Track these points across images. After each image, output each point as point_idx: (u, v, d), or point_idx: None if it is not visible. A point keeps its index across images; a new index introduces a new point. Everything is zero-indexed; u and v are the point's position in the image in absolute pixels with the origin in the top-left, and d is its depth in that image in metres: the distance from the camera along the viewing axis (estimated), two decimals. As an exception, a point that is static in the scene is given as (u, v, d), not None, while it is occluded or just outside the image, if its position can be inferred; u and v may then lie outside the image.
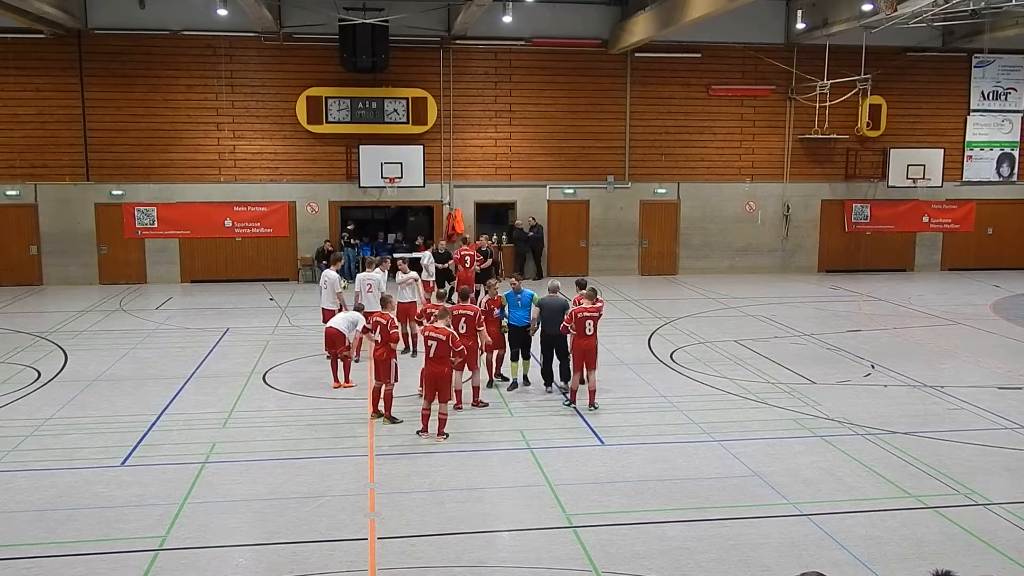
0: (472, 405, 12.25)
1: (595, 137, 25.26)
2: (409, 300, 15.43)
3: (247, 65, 23.71)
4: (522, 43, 24.51)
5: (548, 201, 25.41)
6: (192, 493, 9.14)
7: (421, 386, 11.54)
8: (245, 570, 7.57)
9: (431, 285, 18.81)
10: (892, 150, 26.05)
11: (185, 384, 13.50)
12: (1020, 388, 13.45)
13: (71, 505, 8.82)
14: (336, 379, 13.42)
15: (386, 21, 22.52)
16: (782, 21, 25.28)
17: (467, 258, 18.89)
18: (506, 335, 13.19)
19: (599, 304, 12.36)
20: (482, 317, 12.34)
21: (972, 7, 19.99)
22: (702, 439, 10.94)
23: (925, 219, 27.17)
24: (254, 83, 23.78)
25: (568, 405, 12.31)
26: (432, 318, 11.39)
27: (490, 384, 13.17)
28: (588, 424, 11.56)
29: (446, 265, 19.44)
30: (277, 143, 24.07)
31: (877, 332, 17.85)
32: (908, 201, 26.79)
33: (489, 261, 20.51)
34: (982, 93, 26.79)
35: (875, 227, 26.91)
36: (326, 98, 23.72)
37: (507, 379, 13.39)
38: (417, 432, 10.98)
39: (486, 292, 13.60)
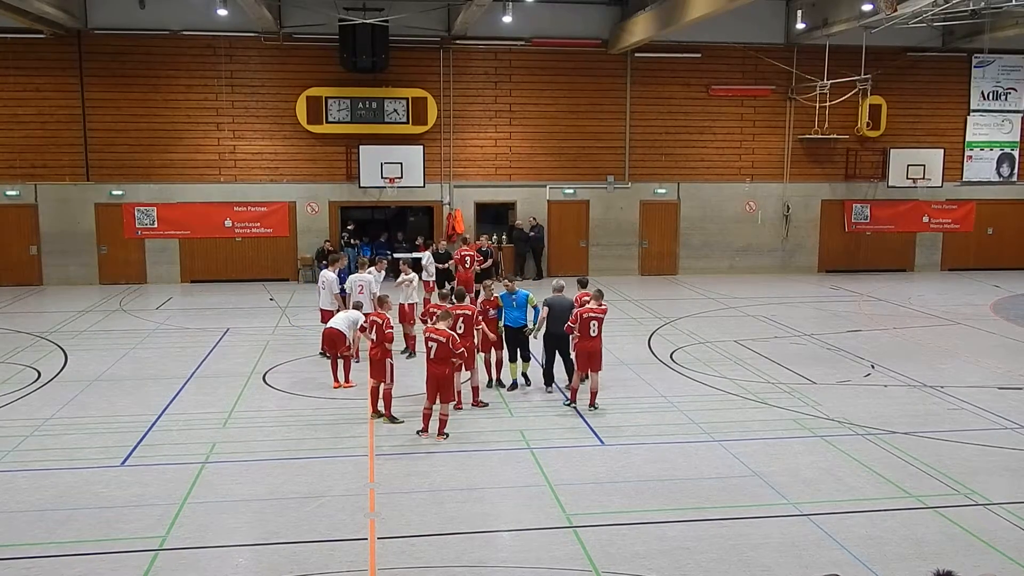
0: (472, 405, 12.25)
1: (595, 137, 25.27)
2: (407, 301, 15.39)
3: (247, 65, 23.72)
4: (522, 43, 24.51)
5: (548, 201, 25.41)
6: (192, 493, 9.14)
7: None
8: (245, 570, 7.57)
9: (431, 285, 18.84)
10: (892, 150, 26.05)
11: (185, 384, 13.50)
12: (1020, 388, 13.45)
13: (71, 505, 8.82)
14: (336, 379, 13.43)
15: (386, 21, 22.52)
16: (782, 21, 25.28)
17: (467, 258, 18.90)
18: (503, 336, 13.16)
19: (604, 307, 12.29)
20: (479, 317, 12.35)
21: (972, 7, 19.99)
22: (702, 439, 10.94)
23: (925, 219, 27.17)
24: (254, 83, 23.78)
25: (568, 405, 12.30)
26: (433, 319, 11.38)
27: (490, 384, 13.17)
28: (588, 424, 11.56)
29: (446, 265, 19.44)
30: (277, 143, 24.07)
31: (877, 332, 17.85)
32: (908, 201, 26.79)
33: (489, 261, 20.53)
34: (982, 93, 26.79)
35: (875, 227, 26.91)
36: (326, 98, 23.72)
37: (505, 385, 13.32)
38: (417, 432, 10.98)
39: (483, 292, 13.57)
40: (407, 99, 23.99)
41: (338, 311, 14.80)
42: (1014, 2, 20.17)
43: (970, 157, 27.05)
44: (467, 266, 18.75)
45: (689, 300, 21.69)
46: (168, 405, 12.37)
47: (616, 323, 17.58)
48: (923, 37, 25.34)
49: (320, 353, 15.19)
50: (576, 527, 8.35)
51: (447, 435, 10.87)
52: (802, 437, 11.08)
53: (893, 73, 25.77)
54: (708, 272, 26.07)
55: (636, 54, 24.73)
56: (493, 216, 26.01)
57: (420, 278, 19.00)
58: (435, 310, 11.88)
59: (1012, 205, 27.39)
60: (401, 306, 15.31)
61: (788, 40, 25.26)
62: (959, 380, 13.88)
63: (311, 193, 24.41)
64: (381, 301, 12.33)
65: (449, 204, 24.93)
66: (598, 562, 7.64)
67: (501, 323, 13.09)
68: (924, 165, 25.90)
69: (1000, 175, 27.30)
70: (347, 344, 13.27)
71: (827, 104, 24.76)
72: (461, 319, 11.83)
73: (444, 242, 21.91)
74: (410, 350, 15.32)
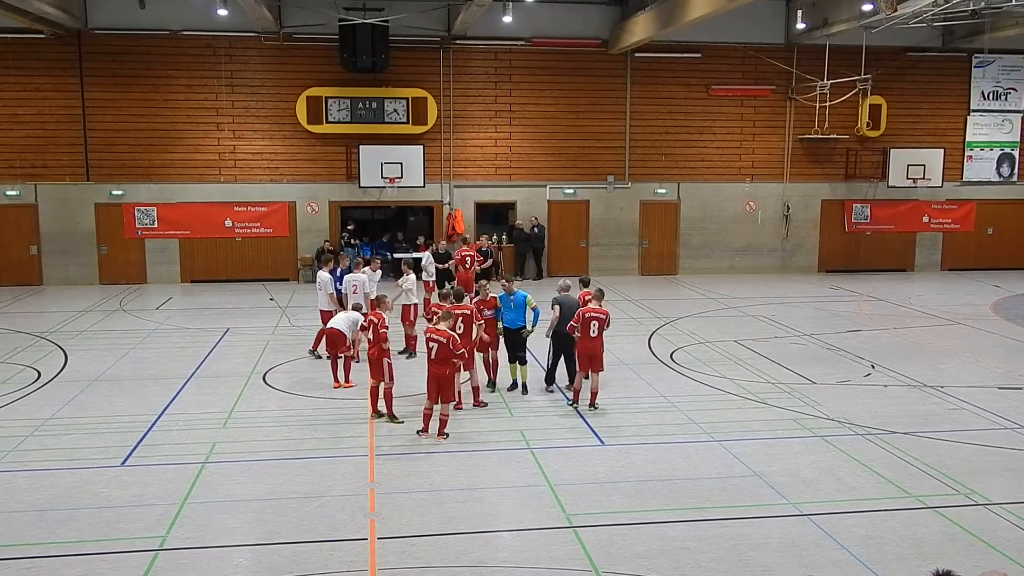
0: (472, 405, 12.25)
1: (595, 137, 25.27)
2: (405, 302, 15.35)
3: (247, 65, 23.72)
4: (522, 43, 24.51)
5: (548, 201, 25.41)
6: (192, 493, 9.14)
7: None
8: (245, 570, 7.57)
9: (431, 285, 18.83)
10: (892, 150, 26.05)
11: (185, 384, 13.50)
12: (1020, 388, 13.45)
13: (71, 505, 8.82)
14: (336, 379, 13.43)
15: (386, 21, 22.52)
16: (782, 21, 25.28)
17: (467, 259, 18.90)
18: (500, 337, 13.09)
19: (605, 311, 12.23)
20: (477, 317, 12.32)
21: (972, 7, 19.99)
22: (702, 439, 10.94)
23: (925, 219, 27.18)
24: (254, 83, 23.78)
25: (570, 405, 12.30)
26: (434, 319, 11.38)
27: (489, 384, 13.15)
28: (588, 424, 11.56)
29: (446, 265, 19.44)
30: (277, 143, 24.07)
31: (877, 332, 17.85)
32: (908, 201, 26.79)
33: (489, 261, 20.51)
34: (982, 93, 26.79)
35: (875, 227, 26.91)
36: (326, 98, 23.73)
37: (495, 387, 13.27)
38: (418, 432, 10.98)
39: (477, 293, 13.46)
40: (407, 99, 23.99)
41: (335, 311, 14.83)
42: (1014, 2, 20.17)
43: (970, 157, 27.05)
44: (467, 266, 18.74)
45: (689, 300, 21.69)
46: (168, 405, 12.37)
47: (616, 323, 17.48)
48: (923, 37, 25.34)
49: (310, 352, 15.18)
50: (576, 527, 8.35)
51: (447, 435, 10.87)
52: (802, 437, 11.08)
53: (893, 73, 25.77)
54: (708, 272, 26.07)
55: (636, 54, 24.73)
56: (493, 216, 26.02)
57: (419, 278, 19.03)
58: (437, 310, 11.87)
59: (1012, 205, 27.39)
60: (403, 307, 15.30)
61: (788, 40, 25.26)
62: (959, 380, 13.88)
63: (311, 193, 24.41)
64: (379, 301, 12.32)
65: (449, 204, 24.93)
66: (598, 562, 7.64)
67: (500, 324, 13.02)
68: (924, 165, 25.90)
69: (1000, 175, 27.31)
70: (347, 344, 13.27)
71: (827, 104, 24.76)
72: (460, 319, 11.82)
73: (444, 242, 21.91)
74: (410, 351, 15.31)
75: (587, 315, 11.87)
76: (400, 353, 14.78)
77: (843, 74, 24.23)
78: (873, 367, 14.72)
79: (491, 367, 13.20)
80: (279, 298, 21.65)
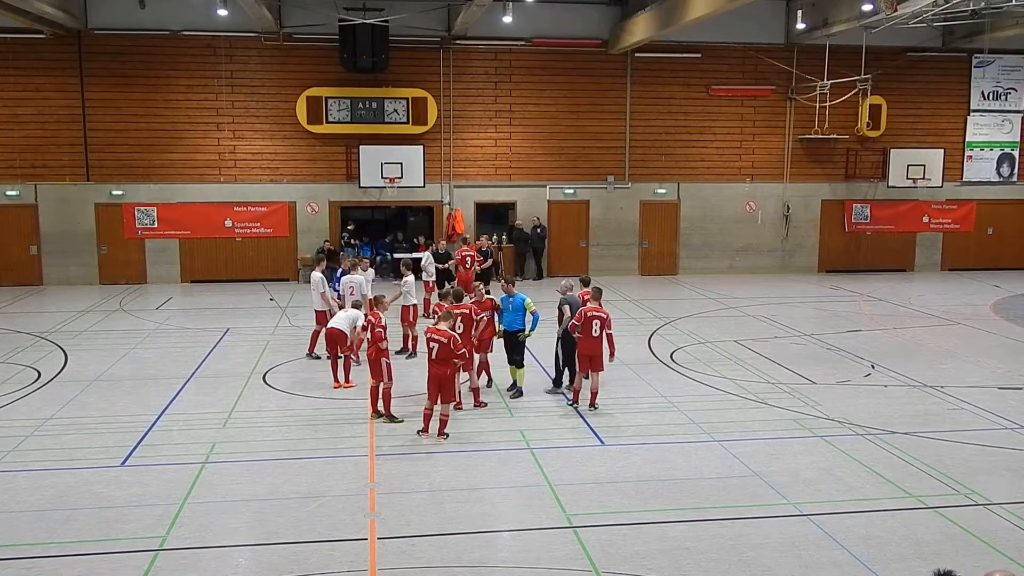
0: (473, 405, 12.24)
1: (595, 137, 25.27)
2: (403, 303, 15.34)
3: (247, 65, 23.72)
4: (522, 43, 24.51)
5: (548, 201, 25.41)
6: (192, 493, 9.14)
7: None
8: (245, 570, 7.57)
9: (431, 285, 18.83)
10: (892, 150, 26.05)
11: (185, 384, 13.50)
12: (1020, 388, 13.45)
13: (71, 505, 8.82)
14: (336, 379, 13.43)
15: (386, 21, 22.52)
16: (782, 21, 25.28)
17: (468, 259, 18.90)
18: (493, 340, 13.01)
19: (605, 311, 12.21)
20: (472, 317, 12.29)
21: (972, 7, 20.00)
22: (702, 439, 10.94)
23: (925, 219, 27.18)
24: (254, 83, 23.78)
25: (570, 405, 12.29)
26: (435, 319, 11.38)
27: (489, 384, 13.13)
28: (588, 424, 11.56)
29: (446, 265, 19.44)
30: (277, 143, 24.07)
31: (877, 332, 17.85)
32: (908, 201, 26.80)
33: (489, 261, 20.51)
34: (982, 93, 26.79)
35: (875, 227, 26.91)
36: (326, 98, 23.73)
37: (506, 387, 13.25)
38: (418, 432, 10.98)
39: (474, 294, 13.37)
40: (407, 99, 23.99)
41: (328, 311, 14.83)
42: (1014, 2, 20.17)
43: (970, 157, 27.05)
44: (468, 266, 18.74)
45: (689, 300, 21.69)
46: (168, 405, 12.37)
47: (616, 323, 17.44)
48: (923, 37, 25.34)
49: (307, 356, 15.16)
50: (576, 527, 8.35)
51: (447, 435, 10.87)
52: (802, 437, 11.08)
53: (893, 73, 25.77)
54: (708, 272, 26.07)
55: (636, 54, 24.73)
56: (493, 216, 26.01)
57: (420, 279, 19.02)
58: (438, 310, 11.87)
59: (1012, 205, 27.39)
60: (403, 307, 15.29)
61: (788, 40, 25.26)
62: (959, 380, 13.88)
63: (311, 193, 24.41)
64: (377, 301, 12.31)
65: (449, 204, 24.93)
66: (598, 562, 7.63)
67: (500, 326, 12.96)
68: (924, 165, 25.90)
69: (1000, 175, 27.31)
70: (348, 343, 13.26)
71: (827, 104, 24.76)
72: (459, 319, 11.81)
73: (444, 242, 21.91)
74: (411, 351, 15.29)
75: (588, 314, 11.86)
76: (398, 353, 14.76)
77: (843, 74, 24.23)
78: (873, 367, 14.72)
79: (482, 368, 13.04)
80: (279, 298, 21.65)
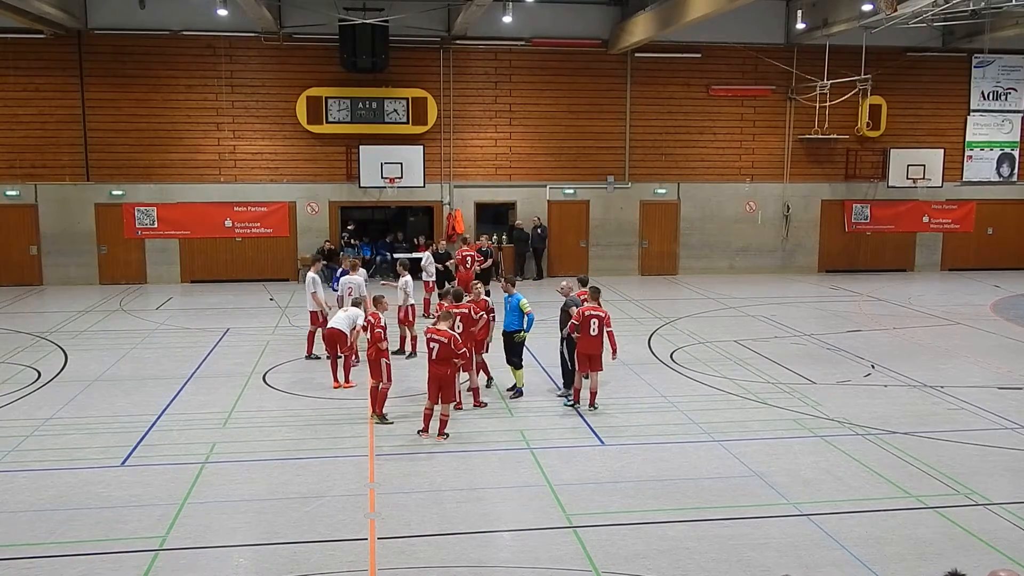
0: (472, 405, 12.24)
1: (595, 137, 25.27)
2: (400, 303, 15.33)
3: (247, 65, 23.72)
4: (522, 43, 24.52)
5: (548, 201, 25.41)
6: (192, 493, 9.14)
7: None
8: (245, 570, 7.57)
9: (431, 285, 18.84)
10: (892, 150, 26.06)
11: (185, 384, 13.50)
12: (1020, 388, 13.45)
13: (71, 505, 8.82)
14: (336, 379, 13.43)
15: (386, 21, 22.52)
16: (782, 21, 25.29)
17: (468, 259, 18.90)
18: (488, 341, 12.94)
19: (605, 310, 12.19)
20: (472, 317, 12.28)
21: (972, 7, 19.99)
22: (702, 439, 10.94)
23: (925, 219, 27.18)
24: (254, 83, 23.78)
25: (570, 405, 12.28)
26: (435, 319, 11.38)
27: (488, 384, 13.12)
28: (588, 424, 11.56)
29: (445, 265, 19.43)
30: (277, 143, 24.08)
31: (877, 332, 17.85)
32: (908, 201, 26.80)
33: (489, 261, 20.51)
34: (982, 93, 26.80)
35: (875, 227, 26.91)
36: (326, 98, 23.73)
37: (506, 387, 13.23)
38: (418, 432, 10.98)
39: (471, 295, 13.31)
40: (407, 99, 24.00)
41: (319, 312, 14.81)
42: (1014, 2, 20.17)
43: (970, 157, 27.06)
44: (468, 266, 18.74)
45: (689, 300, 21.69)
46: (168, 405, 12.37)
47: (616, 323, 17.46)
48: (923, 37, 25.34)
49: (306, 357, 15.13)
50: (576, 527, 8.35)
51: (447, 435, 10.87)
52: (802, 437, 11.08)
53: (893, 73, 25.77)
54: (708, 272, 26.08)
55: (636, 54, 24.73)
56: (493, 216, 26.01)
57: (420, 279, 19.02)
58: (439, 311, 11.85)
59: (1012, 205, 27.40)
60: (399, 307, 15.28)
61: (788, 40, 25.26)
62: (959, 380, 13.87)
63: (311, 193, 24.41)
64: (377, 301, 12.31)
65: (449, 204, 24.93)
66: (598, 562, 7.63)
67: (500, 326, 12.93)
68: (924, 165, 25.91)
69: (1000, 175, 27.31)
70: (348, 343, 13.25)
71: (827, 104, 24.76)
72: (459, 319, 11.80)
73: (444, 242, 21.91)
74: (411, 351, 15.28)
75: (587, 313, 11.86)
76: (396, 353, 14.73)
77: (843, 74, 24.23)
78: (873, 367, 14.72)
79: (480, 368, 12.99)
80: (279, 298, 21.65)
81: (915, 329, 18.05)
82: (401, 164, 23.40)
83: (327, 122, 23.80)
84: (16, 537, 8.13)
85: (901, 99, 26.14)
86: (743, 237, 26.35)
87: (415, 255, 22.89)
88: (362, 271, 16.13)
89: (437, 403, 10.85)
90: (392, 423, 11.41)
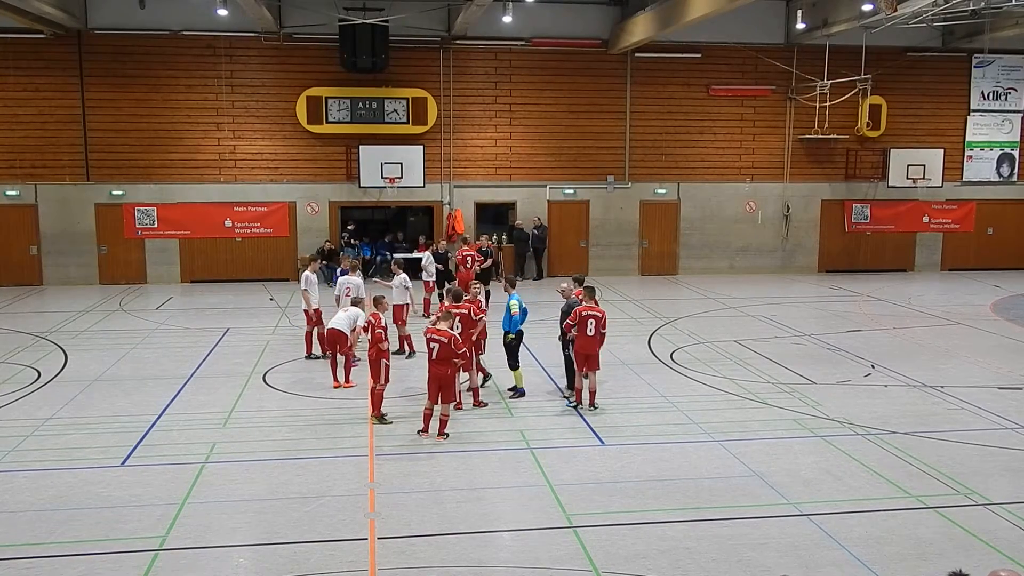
0: (472, 405, 12.24)
1: (595, 137, 25.27)
2: (398, 302, 15.32)
3: (247, 65, 23.72)
4: (522, 43, 24.51)
5: (548, 201, 25.41)
6: (192, 493, 9.14)
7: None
8: (245, 570, 7.57)
9: (431, 285, 18.85)
10: (892, 150, 26.06)
11: (185, 384, 13.50)
12: (1020, 388, 13.45)
13: (71, 505, 8.82)
14: (336, 379, 13.42)
15: (386, 21, 22.52)
16: (782, 21, 25.29)
17: (468, 259, 18.90)
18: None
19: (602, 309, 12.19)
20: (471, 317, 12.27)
21: (972, 7, 19.99)
22: (702, 439, 10.94)
23: (925, 219, 27.18)
24: (254, 83, 23.78)
25: (571, 406, 12.28)
26: (435, 320, 11.38)
27: (485, 382, 13.04)
28: (588, 424, 11.56)
29: (444, 264, 19.43)
30: (277, 143, 24.08)
31: (877, 332, 17.85)
32: (908, 201, 26.79)
33: (489, 261, 20.52)
34: (982, 93, 26.80)
35: (875, 227, 26.91)
36: (326, 98, 23.73)
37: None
38: (418, 432, 10.98)
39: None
40: (407, 99, 24.00)
41: (306, 309, 14.76)
42: (1014, 2, 20.16)
43: (970, 157, 27.06)
44: (468, 266, 18.74)
45: (689, 300, 21.69)
46: (168, 405, 12.37)
47: (616, 323, 17.55)
48: (923, 37, 25.34)
49: (305, 358, 15.11)
50: (576, 527, 8.35)
51: (447, 435, 10.87)
52: (802, 437, 11.08)
53: (893, 73, 25.77)
54: (708, 272, 26.07)
55: (636, 54, 24.73)
56: (493, 216, 26.01)
57: (420, 278, 19.03)
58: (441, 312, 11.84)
59: (1012, 205, 27.40)
60: (395, 307, 15.26)
61: (788, 40, 25.26)
62: (959, 380, 13.87)
63: (311, 193, 24.41)
64: (377, 301, 12.30)
65: (449, 204, 24.93)
66: (598, 562, 7.63)
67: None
68: (924, 165, 25.91)
69: (1000, 175, 27.31)
70: (348, 343, 13.24)
71: (827, 104, 24.76)
72: (458, 319, 11.79)
73: (444, 242, 21.91)
74: (409, 350, 15.26)
75: (583, 313, 11.86)
76: (396, 354, 14.70)
77: (843, 74, 24.23)
78: (873, 367, 14.72)
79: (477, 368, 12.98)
80: (279, 298, 21.64)
81: (915, 329, 18.05)
82: (401, 164, 23.40)
83: (327, 122, 23.80)
84: (16, 537, 8.13)
85: (901, 99, 26.14)
86: (743, 237, 26.35)
87: (415, 255, 22.91)
88: (358, 274, 16.04)
89: (437, 403, 10.85)
90: (392, 423, 11.41)
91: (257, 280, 24.15)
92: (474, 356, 12.42)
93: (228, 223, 24.10)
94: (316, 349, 14.96)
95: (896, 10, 19.12)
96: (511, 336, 12.63)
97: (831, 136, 25.61)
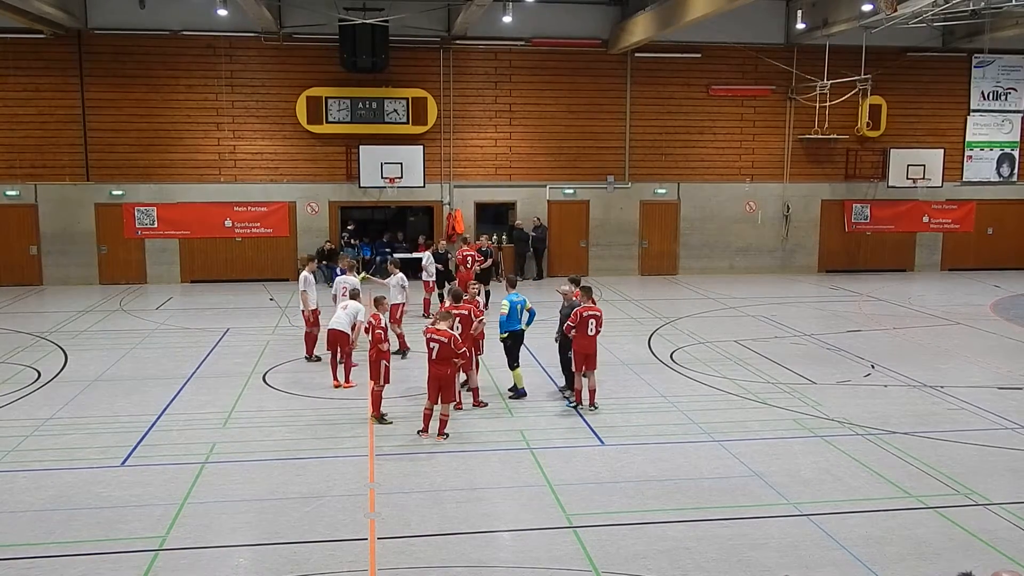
0: (472, 405, 12.24)
1: (595, 137, 25.27)
2: (394, 302, 15.31)
3: (247, 65, 23.72)
4: (522, 43, 24.51)
5: (548, 201, 25.41)
6: (192, 493, 9.14)
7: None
8: (245, 570, 7.57)
9: (431, 285, 18.85)
10: (892, 150, 26.05)
11: (185, 384, 13.50)
12: (1020, 388, 13.45)
13: (71, 505, 8.82)
14: (336, 378, 13.42)
15: (386, 21, 22.52)
16: (782, 21, 25.29)
17: (468, 259, 18.90)
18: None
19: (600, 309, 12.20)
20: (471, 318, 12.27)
21: (972, 7, 19.99)
22: (702, 439, 10.94)
23: (925, 219, 27.18)
24: (254, 83, 23.78)
25: (571, 406, 12.28)
26: (434, 320, 11.38)
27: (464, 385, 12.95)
28: (588, 424, 11.56)
29: (445, 264, 19.43)
30: (277, 143, 24.08)
31: (877, 332, 17.85)
32: (908, 201, 26.79)
33: (489, 261, 20.53)
34: (982, 93, 26.80)
35: (875, 227, 26.91)
36: (326, 98, 23.73)
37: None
38: (418, 432, 10.98)
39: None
40: (407, 99, 24.00)
41: (312, 312, 14.73)
42: (1014, 2, 20.16)
43: (970, 157, 27.06)
44: (468, 266, 18.74)
45: (689, 300, 21.69)
46: (168, 405, 12.37)
47: (616, 323, 17.58)
48: (923, 37, 25.34)
49: (306, 358, 15.08)
50: (576, 527, 8.35)
51: (447, 435, 10.87)
52: (802, 437, 11.08)
53: (893, 73, 25.77)
54: (708, 272, 26.08)
55: (636, 54, 24.73)
56: (493, 216, 26.01)
57: (420, 278, 19.04)
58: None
59: (1012, 205, 27.40)
60: (391, 306, 15.23)
61: (788, 40, 25.26)
62: (959, 380, 13.87)
63: (311, 193, 24.41)
64: (377, 302, 12.30)
65: (449, 204, 24.93)
66: (598, 562, 7.63)
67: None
68: (924, 165, 25.91)
69: (1000, 175, 27.31)
70: (351, 341, 13.21)
71: (827, 104, 24.76)
72: (458, 319, 11.79)
73: (444, 242, 21.91)
74: (403, 350, 15.20)
75: (585, 314, 11.87)
76: (395, 354, 14.68)
77: (843, 74, 24.23)
78: (873, 367, 14.72)
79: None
80: (279, 298, 21.64)
81: (915, 329, 18.05)
82: (401, 164, 23.40)
83: (327, 122, 23.80)
84: (16, 537, 8.13)
85: (901, 99, 26.14)
86: (743, 237, 26.35)
87: (415, 255, 22.91)
88: (354, 273, 16.01)
89: (437, 403, 10.85)
90: (392, 423, 11.41)
91: (257, 280, 24.14)
92: (474, 356, 12.43)
93: (228, 223, 24.10)
94: (318, 349, 14.88)
95: (896, 10, 19.12)
96: (504, 336, 12.61)
97: (831, 136, 25.61)
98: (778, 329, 17.94)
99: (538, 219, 25.10)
